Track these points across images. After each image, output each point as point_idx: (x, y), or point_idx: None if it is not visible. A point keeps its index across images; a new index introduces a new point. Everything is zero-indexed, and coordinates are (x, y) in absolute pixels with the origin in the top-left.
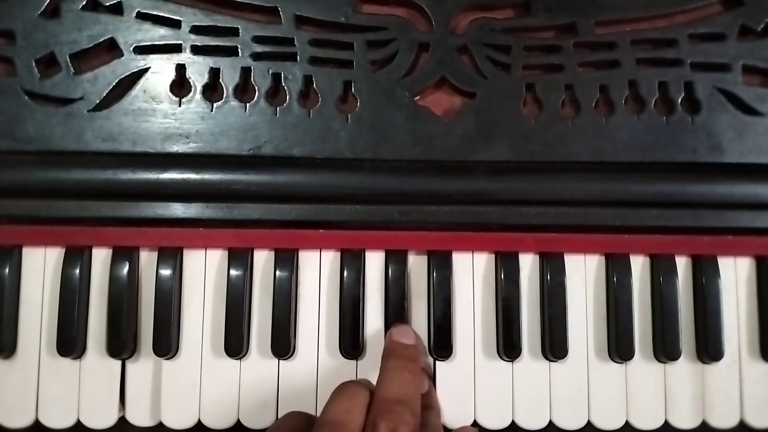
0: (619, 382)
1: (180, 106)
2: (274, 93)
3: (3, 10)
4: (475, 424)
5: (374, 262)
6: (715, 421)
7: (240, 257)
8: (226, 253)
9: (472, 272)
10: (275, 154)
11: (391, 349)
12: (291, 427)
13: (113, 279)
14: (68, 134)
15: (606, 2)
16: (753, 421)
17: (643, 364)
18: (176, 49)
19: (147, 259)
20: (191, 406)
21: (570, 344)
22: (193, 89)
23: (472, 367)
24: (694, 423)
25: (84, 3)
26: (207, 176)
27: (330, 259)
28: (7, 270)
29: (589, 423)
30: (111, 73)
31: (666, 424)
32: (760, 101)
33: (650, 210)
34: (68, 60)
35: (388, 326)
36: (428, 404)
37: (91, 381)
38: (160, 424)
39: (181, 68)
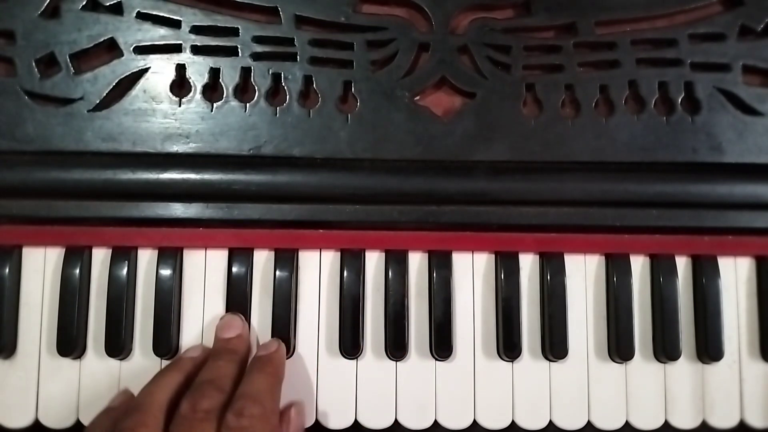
0: (619, 382)
1: (180, 106)
2: (274, 93)
3: (3, 10)
4: (475, 424)
5: (374, 262)
6: (715, 421)
7: (240, 257)
8: (227, 253)
9: (472, 272)
10: (275, 154)
11: (214, 348)
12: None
13: (113, 279)
14: (68, 134)
15: (606, 2)
16: (753, 421)
17: (643, 364)
18: (176, 49)
19: (147, 259)
20: None
21: (570, 344)
22: (193, 89)
23: (472, 367)
24: (694, 423)
25: (84, 3)
26: (207, 176)
27: (330, 259)
28: (7, 270)
29: (589, 423)
30: (111, 73)
31: (666, 424)
32: (760, 101)
33: (650, 210)
34: (68, 60)
35: (388, 326)
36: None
37: (91, 381)
38: None
39: (181, 68)
